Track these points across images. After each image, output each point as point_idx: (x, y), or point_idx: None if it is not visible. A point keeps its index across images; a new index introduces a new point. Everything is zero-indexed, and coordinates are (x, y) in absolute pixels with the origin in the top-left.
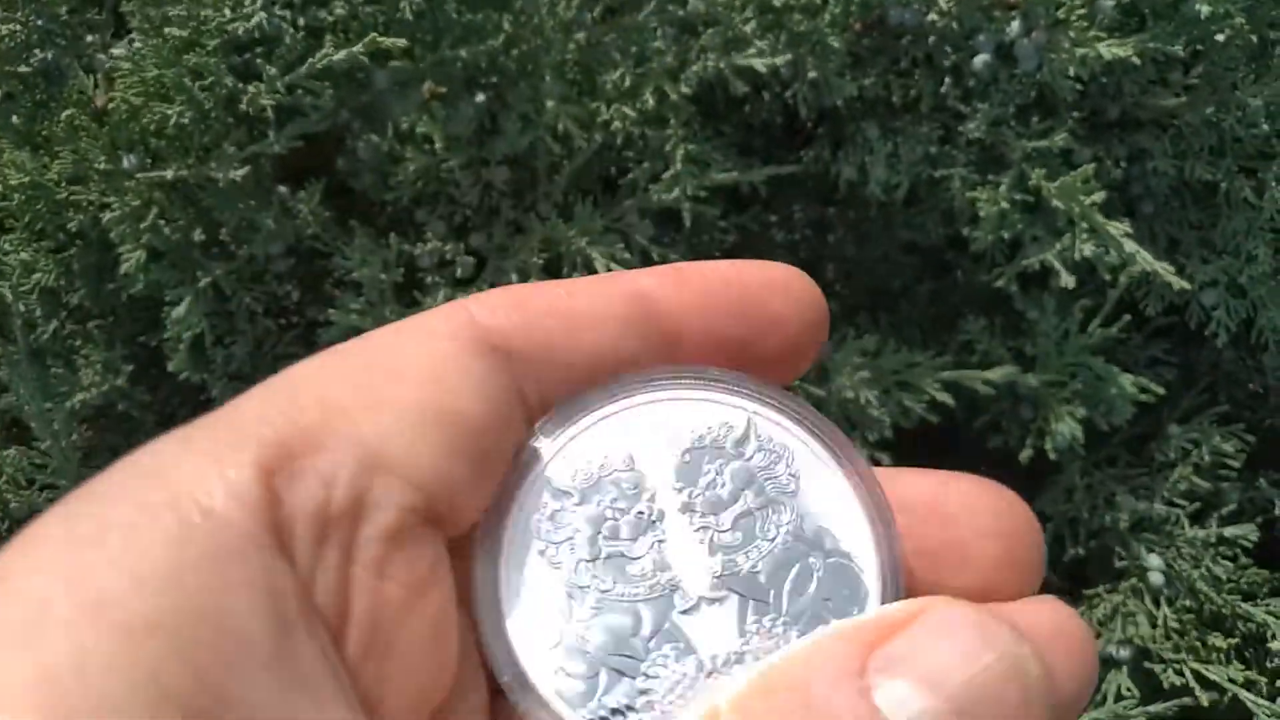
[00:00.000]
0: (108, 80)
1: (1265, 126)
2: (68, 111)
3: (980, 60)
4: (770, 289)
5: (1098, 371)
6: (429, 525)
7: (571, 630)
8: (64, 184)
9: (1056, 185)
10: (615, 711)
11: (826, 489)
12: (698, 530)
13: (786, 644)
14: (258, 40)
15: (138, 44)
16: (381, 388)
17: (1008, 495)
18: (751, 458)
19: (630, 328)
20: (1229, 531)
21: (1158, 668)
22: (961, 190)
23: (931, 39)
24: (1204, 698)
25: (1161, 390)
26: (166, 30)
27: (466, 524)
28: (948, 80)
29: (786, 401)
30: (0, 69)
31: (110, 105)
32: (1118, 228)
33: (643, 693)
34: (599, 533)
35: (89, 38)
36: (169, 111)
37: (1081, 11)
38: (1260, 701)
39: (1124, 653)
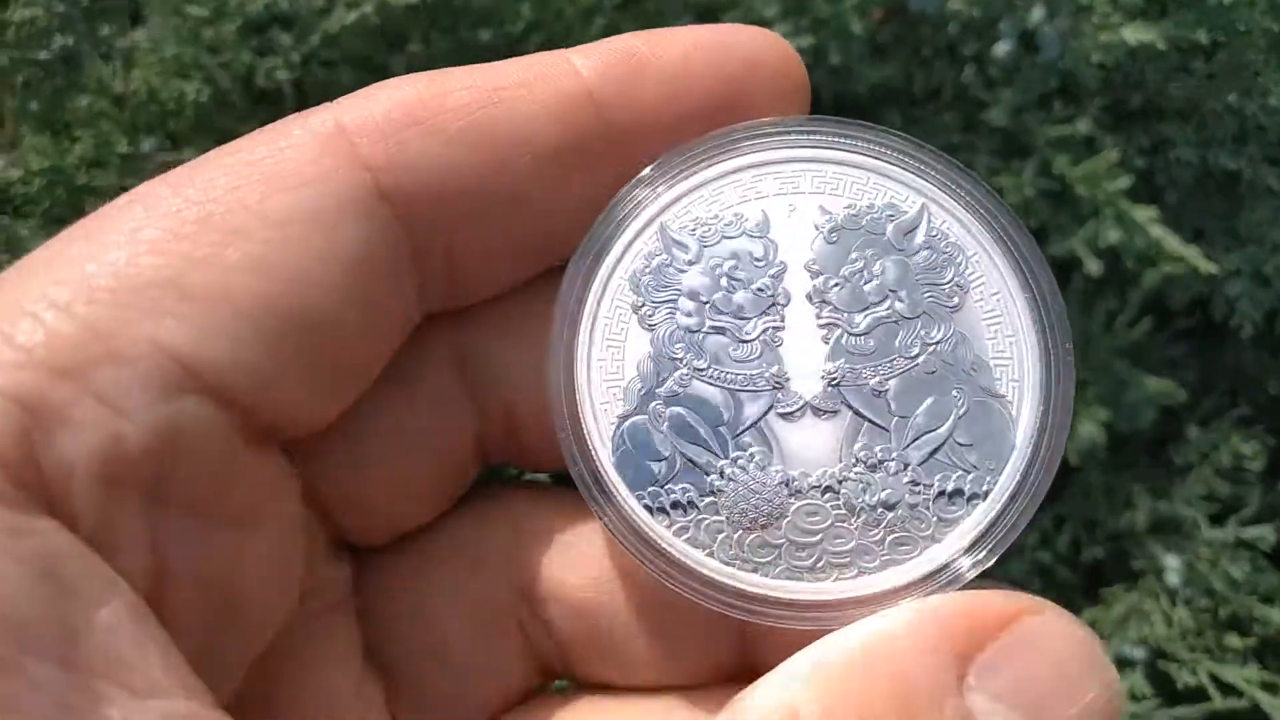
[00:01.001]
0: (126, 65)
1: None
2: (88, 97)
3: (1002, 47)
4: (744, 68)
5: (1121, 375)
6: (263, 443)
7: (650, 403)
8: (84, 168)
9: (1081, 171)
10: (676, 505)
11: (998, 312)
12: (825, 325)
13: (892, 489)
14: (276, 19)
15: (157, 24)
16: (206, 264)
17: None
18: (916, 254)
19: (572, 143)
20: (1247, 533)
21: (1173, 667)
22: (985, 179)
23: (952, 27)
24: (1218, 700)
25: (1184, 395)
26: (187, 9)
27: (320, 426)
28: (969, 68)
29: (974, 192)
30: (20, 56)
31: (130, 90)
32: (1144, 213)
33: (713, 493)
34: (709, 300)
35: (107, 26)
36: (187, 89)
37: None
38: (1278, 703)
39: (1139, 653)
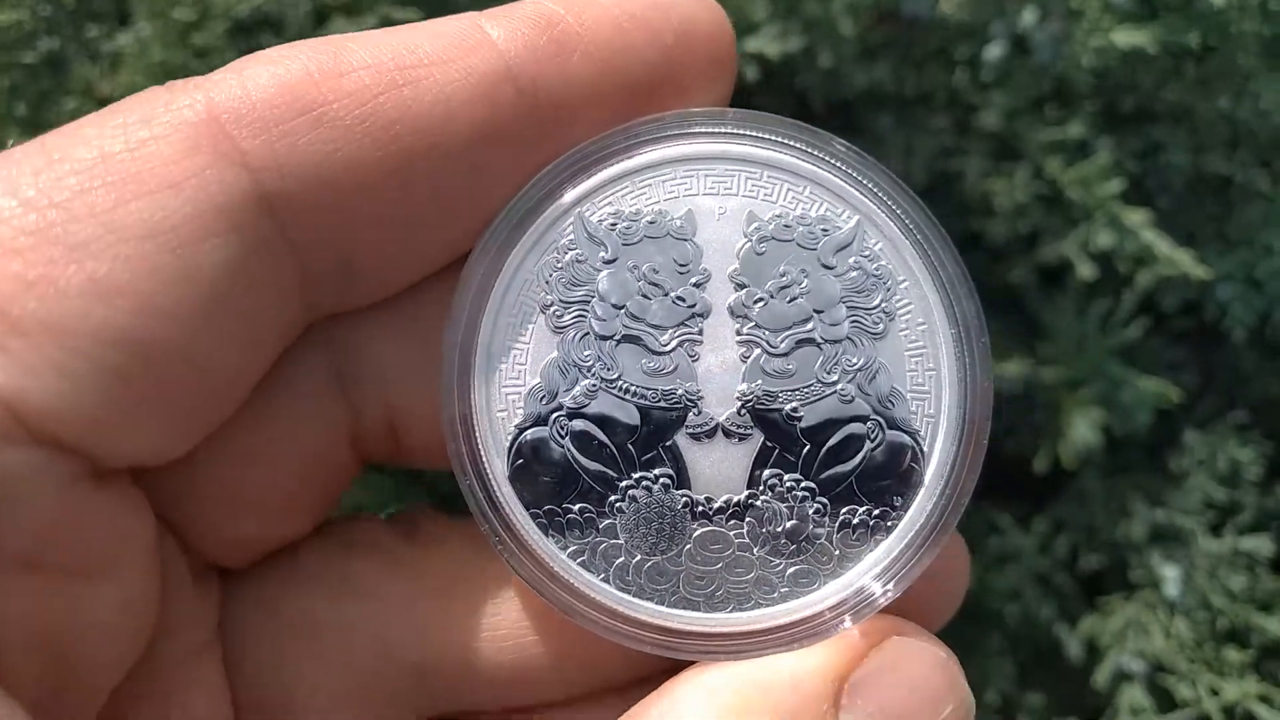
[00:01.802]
0: (113, 67)
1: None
2: (74, 99)
3: (994, 51)
4: (679, 39)
5: (1116, 375)
6: (109, 482)
7: (552, 413)
8: None
9: (1073, 175)
10: (572, 525)
11: (922, 343)
12: (744, 342)
13: (797, 520)
14: (264, 22)
15: (144, 27)
16: (40, 289)
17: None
18: (846, 274)
19: (490, 130)
20: (1245, 544)
21: (1171, 680)
22: (977, 183)
23: (944, 30)
24: (1215, 710)
25: (1180, 395)
26: (173, 13)
27: (177, 455)
28: (961, 71)
29: (911, 212)
30: (6, 59)
31: (115, 93)
32: (1137, 217)
33: (612, 514)
34: (624, 306)
35: (93, 29)
36: None
37: (1096, 2)
38: (1276, 717)
39: (1138, 666)
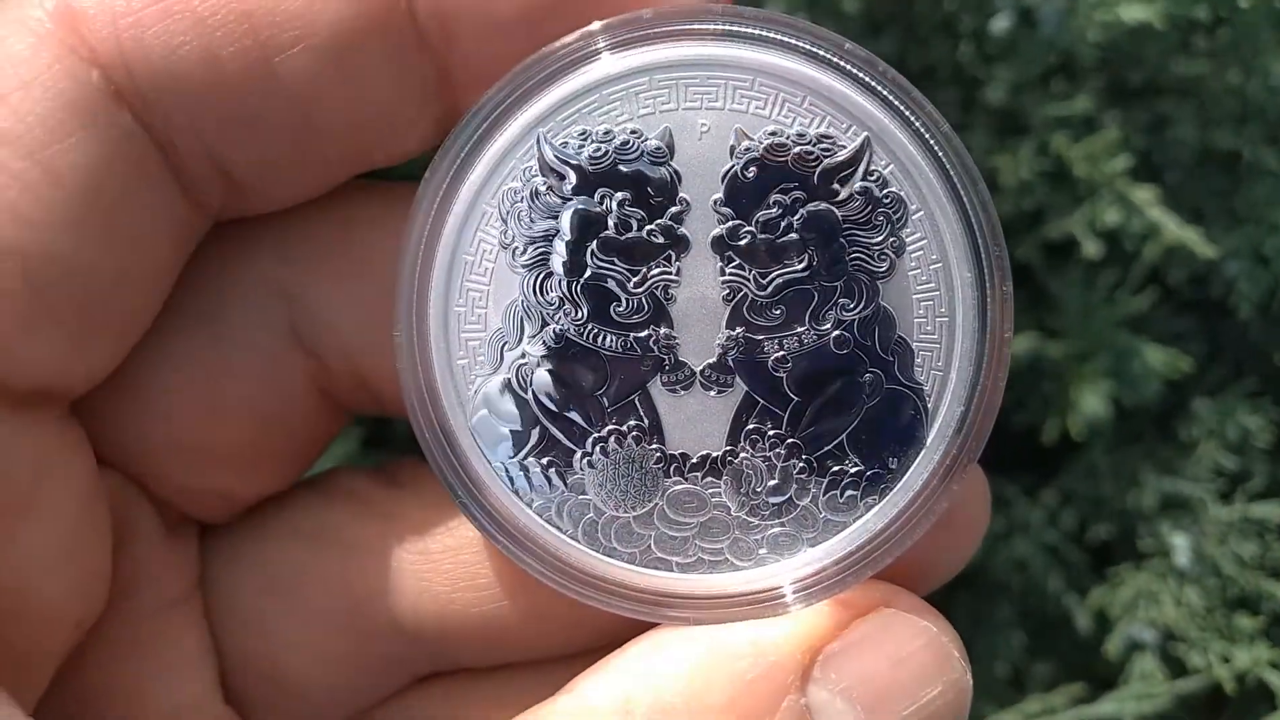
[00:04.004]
0: None
1: None
2: None
3: (1000, 23)
4: None
5: (1124, 345)
6: (25, 410)
7: (515, 360)
8: None
9: (1080, 151)
10: (537, 481)
11: (934, 285)
12: (728, 280)
13: (779, 480)
14: None
15: None
16: None
17: None
18: (848, 203)
19: (365, 33)
20: (1255, 511)
21: (1182, 648)
22: (981, 159)
23: (949, 2)
24: (1227, 678)
25: (1189, 364)
26: None
27: (98, 378)
28: (967, 45)
29: (932, 129)
30: None
31: None
32: (1143, 194)
33: (580, 469)
34: (591, 241)
35: None
36: None
37: None
38: None
39: (1149, 635)
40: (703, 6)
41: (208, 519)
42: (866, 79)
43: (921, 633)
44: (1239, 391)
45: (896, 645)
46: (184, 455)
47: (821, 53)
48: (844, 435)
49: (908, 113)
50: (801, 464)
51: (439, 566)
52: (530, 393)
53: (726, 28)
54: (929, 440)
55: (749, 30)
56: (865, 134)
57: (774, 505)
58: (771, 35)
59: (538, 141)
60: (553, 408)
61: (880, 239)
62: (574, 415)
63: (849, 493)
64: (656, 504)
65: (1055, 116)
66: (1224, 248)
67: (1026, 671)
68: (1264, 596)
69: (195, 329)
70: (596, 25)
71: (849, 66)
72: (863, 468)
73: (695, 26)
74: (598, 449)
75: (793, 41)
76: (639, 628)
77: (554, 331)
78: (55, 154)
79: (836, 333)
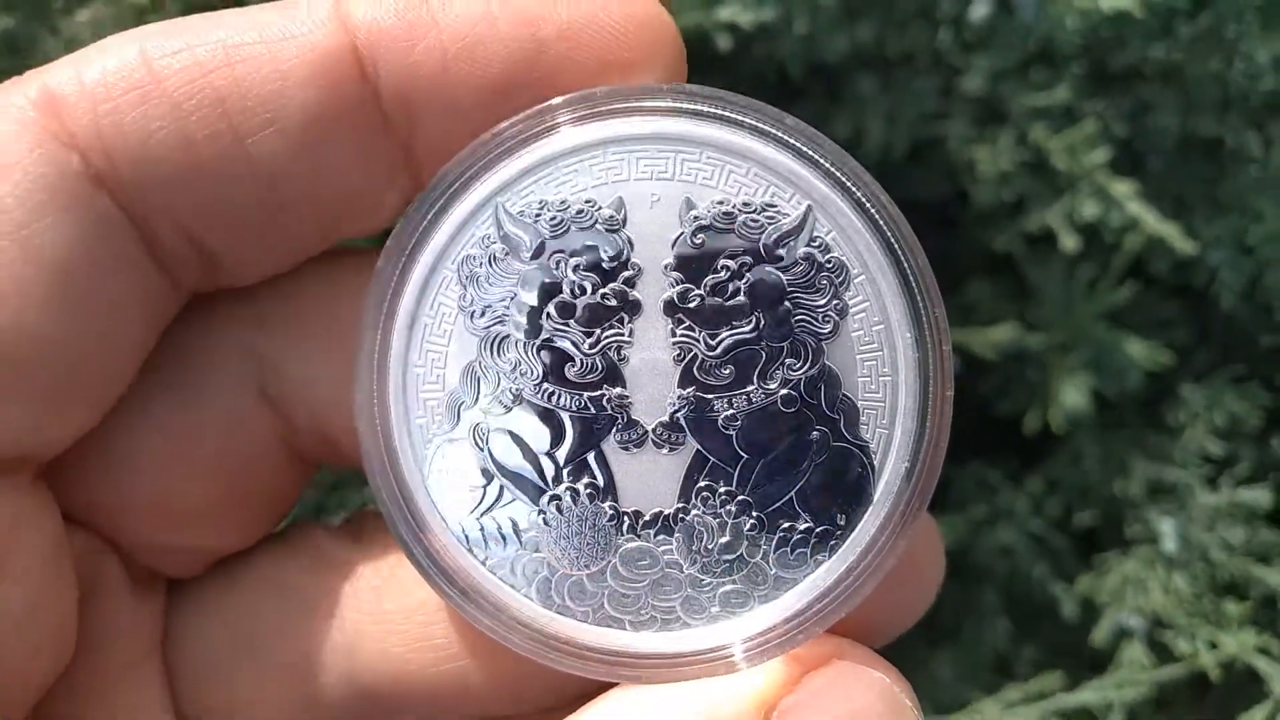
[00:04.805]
0: (71, 48)
1: (1272, 80)
2: None
3: (978, 10)
4: (569, 31)
5: (1105, 339)
6: None
7: (473, 420)
8: None
9: (1059, 143)
10: (492, 538)
11: (877, 345)
12: (678, 343)
13: (730, 537)
14: (216, 5)
15: (101, 9)
16: None
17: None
18: (793, 268)
19: (333, 112)
20: (1243, 496)
21: (1169, 635)
22: (960, 149)
23: None
24: (1212, 664)
25: (1171, 358)
26: None
27: (60, 447)
28: (946, 31)
29: (871, 198)
30: None
31: None
32: (1123, 188)
33: (534, 527)
34: (546, 306)
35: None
36: None
37: None
38: (1273, 668)
39: (1136, 622)
40: (653, 85)
41: (175, 574)
42: (808, 151)
43: (875, 683)
44: (1226, 376)
45: (850, 697)
46: (154, 513)
47: (765, 127)
48: (793, 492)
49: (848, 183)
50: (752, 521)
51: (395, 626)
52: (487, 451)
53: (674, 104)
54: (876, 496)
55: (695, 107)
56: (808, 203)
57: (725, 562)
58: (716, 111)
59: (496, 210)
60: (509, 466)
61: (824, 302)
62: (529, 473)
63: (799, 549)
64: (609, 561)
65: (1035, 107)
66: (1206, 237)
67: (1012, 658)
68: (1252, 582)
69: (166, 388)
70: (557, 100)
71: (791, 140)
72: (812, 524)
73: (646, 103)
74: (552, 506)
75: (737, 117)
76: (596, 688)
77: (510, 391)
78: (32, 233)
79: (784, 391)
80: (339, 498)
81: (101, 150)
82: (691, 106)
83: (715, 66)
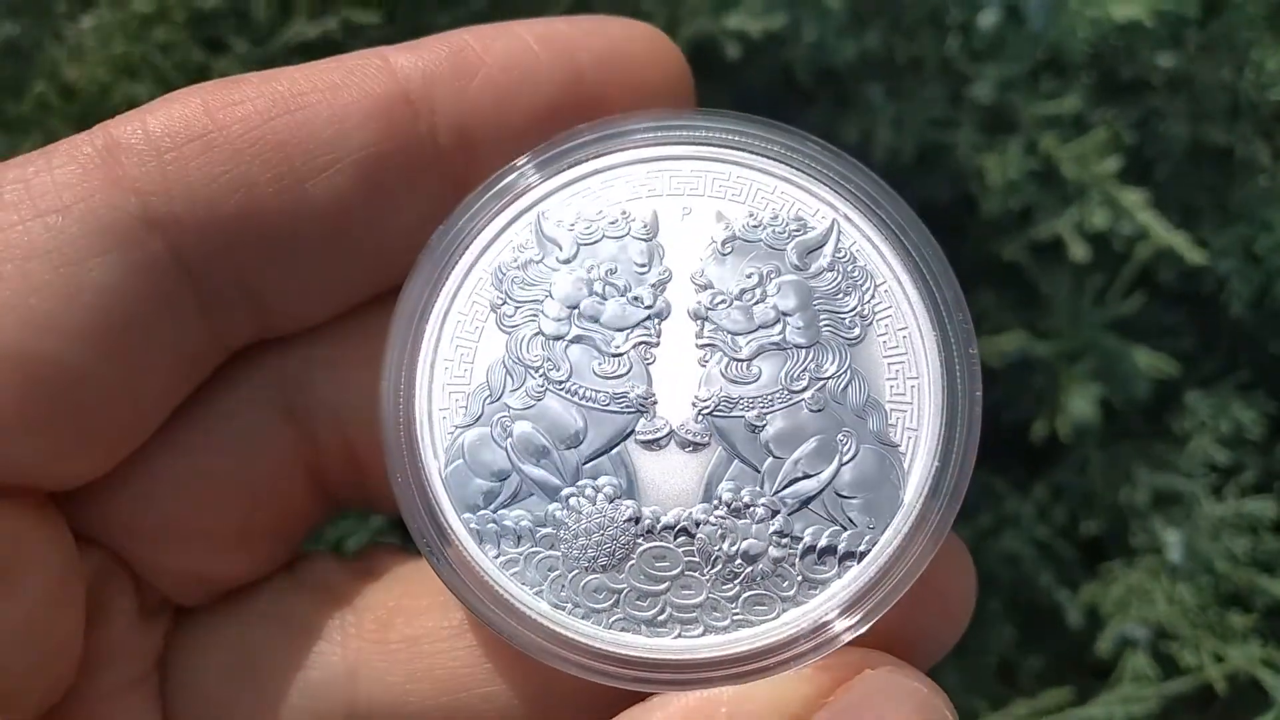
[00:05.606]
0: (76, 54)
1: None
2: (39, 88)
3: (987, 18)
4: (598, 65)
5: (1112, 349)
6: (7, 496)
7: (495, 413)
8: None
9: (1068, 152)
10: (507, 533)
11: (903, 350)
12: (704, 346)
13: (755, 539)
14: (225, 14)
15: (105, 16)
16: None
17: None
18: (818, 276)
19: (389, 154)
20: (1248, 507)
21: (1174, 645)
22: (969, 156)
23: None
24: (1218, 677)
25: (1177, 369)
26: (131, 3)
27: (88, 478)
28: (954, 39)
29: (892, 211)
30: None
31: (79, 81)
32: (1133, 198)
33: (552, 524)
34: (577, 306)
35: (61, 4)
36: (139, 90)
37: None
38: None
39: (1140, 633)
40: (688, 112)
41: (185, 602)
42: (831, 173)
43: (912, 695)
44: (1232, 384)
45: (886, 711)
46: (170, 537)
47: (791, 150)
48: (820, 495)
49: (871, 196)
50: (777, 524)
51: (395, 657)
52: (508, 445)
53: (708, 130)
54: (905, 498)
55: (726, 132)
56: (833, 217)
57: (749, 565)
58: (746, 136)
59: (535, 217)
60: (529, 461)
61: (850, 308)
62: (549, 470)
63: (826, 554)
64: (628, 563)
65: (1044, 116)
66: (1215, 246)
67: (1017, 665)
68: (1257, 592)
69: (190, 411)
70: (598, 121)
71: (815, 163)
72: (840, 527)
73: (680, 127)
74: (570, 504)
75: (764, 141)
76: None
77: (534, 387)
78: (81, 270)
79: (810, 393)
80: (340, 528)
81: (164, 195)
82: (721, 132)
83: (724, 74)
